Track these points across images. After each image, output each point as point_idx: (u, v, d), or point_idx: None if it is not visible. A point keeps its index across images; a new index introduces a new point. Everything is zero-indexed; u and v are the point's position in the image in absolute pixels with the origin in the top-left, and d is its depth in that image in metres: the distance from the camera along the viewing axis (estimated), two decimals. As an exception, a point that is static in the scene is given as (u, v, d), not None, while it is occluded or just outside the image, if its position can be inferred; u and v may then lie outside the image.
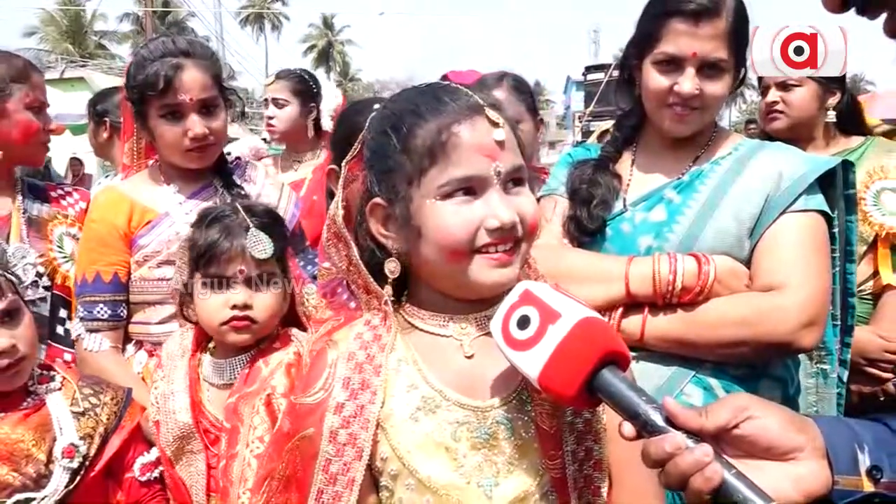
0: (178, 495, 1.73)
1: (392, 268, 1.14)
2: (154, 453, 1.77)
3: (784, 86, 2.67)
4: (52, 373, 1.72)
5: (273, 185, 2.28)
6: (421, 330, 1.16)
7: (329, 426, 1.10)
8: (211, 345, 1.80)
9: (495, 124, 1.09)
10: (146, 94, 1.99)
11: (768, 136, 2.71)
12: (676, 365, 1.65)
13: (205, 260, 1.72)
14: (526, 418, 1.11)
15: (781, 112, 2.69)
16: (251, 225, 1.71)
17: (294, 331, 1.80)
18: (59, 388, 1.69)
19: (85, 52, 38.45)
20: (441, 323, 1.15)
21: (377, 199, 1.14)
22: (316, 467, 1.10)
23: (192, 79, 1.98)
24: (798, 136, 2.65)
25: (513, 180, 1.10)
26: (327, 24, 62.47)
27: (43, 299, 2.11)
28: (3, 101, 2.12)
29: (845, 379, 1.84)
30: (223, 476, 1.64)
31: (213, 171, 2.14)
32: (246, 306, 1.70)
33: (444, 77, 3.11)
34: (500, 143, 1.08)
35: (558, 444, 1.10)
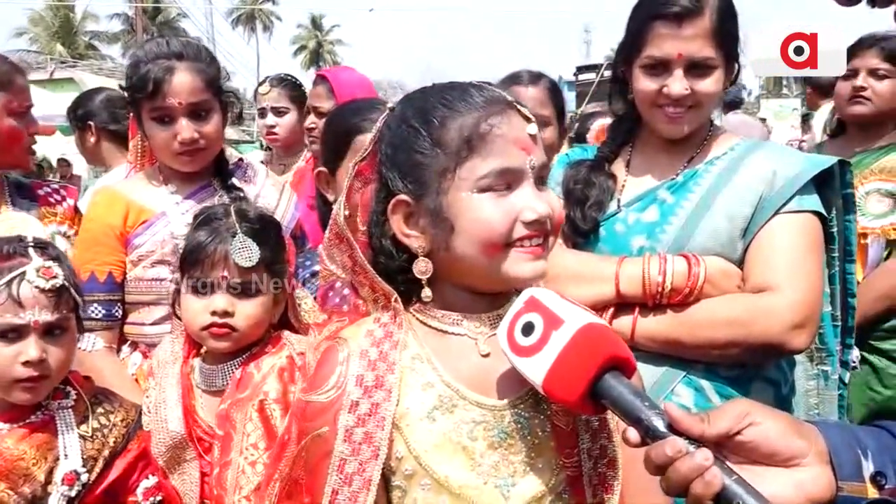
0: (172, 504, 1.70)
1: (423, 268, 1.12)
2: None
3: (875, 73, 2.66)
4: (68, 388, 1.64)
5: (274, 185, 2.26)
6: (432, 328, 1.15)
7: (344, 424, 1.08)
8: (203, 350, 1.77)
9: (528, 119, 1.10)
10: (136, 96, 1.98)
11: (841, 122, 2.74)
12: (667, 365, 1.65)
13: (190, 262, 1.69)
14: (542, 417, 1.11)
15: (868, 99, 2.67)
16: (238, 230, 1.67)
17: (286, 334, 1.77)
18: (72, 406, 1.61)
19: (75, 52, 38.24)
20: (454, 321, 1.14)
21: (401, 196, 1.12)
22: (330, 467, 1.08)
23: (181, 82, 1.96)
24: (878, 123, 2.67)
25: (540, 176, 1.11)
26: (316, 24, 62.32)
27: None
28: None
29: (847, 380, 1.84)
30: (217, 484, 1.62)
31: (212, 171, 2.13)
32: (226, 313, 1.66)
33: (320, 77, 3.09)
34: (533, 138, 1.09)
35: (574, 443, 1.11)
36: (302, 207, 2.38)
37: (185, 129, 1.97)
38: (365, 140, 1.84)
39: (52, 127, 3.45)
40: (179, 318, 1.78)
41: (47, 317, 1.52)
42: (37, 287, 1.50)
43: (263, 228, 1.74)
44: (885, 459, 0.92)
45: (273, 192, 2.23)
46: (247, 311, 1.68)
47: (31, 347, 1.50)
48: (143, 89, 1.95)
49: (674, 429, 0.89)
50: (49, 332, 1.54)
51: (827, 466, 0.90)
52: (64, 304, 1.55)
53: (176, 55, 1.97)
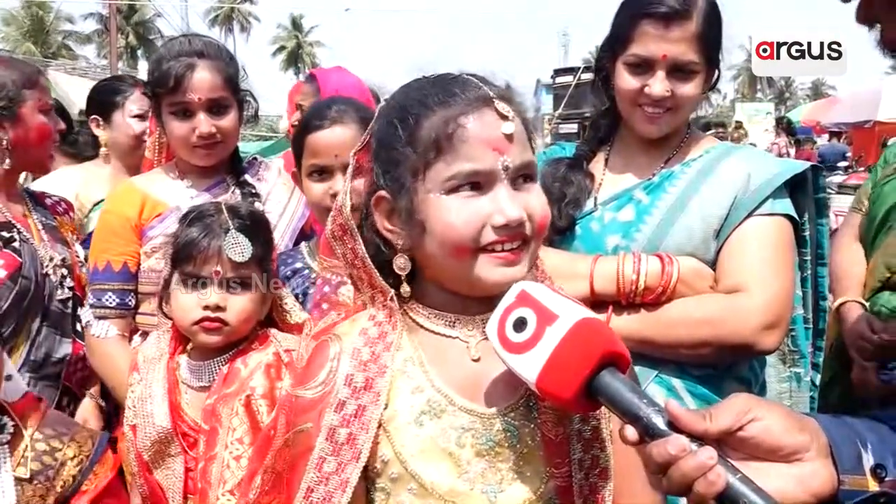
0: (155, 499, 1.71)
1: (401, 264, 1.10)
2: None
3: None
4: (3, 418, 1.36)
5: (285, 184, 2.30)
6: (426, 329, 1.12)
7: (328, 423, 1.06)
8: (189, 346, 1.79)
9: (504, 117, 1.05)
10: (157, 90, 2.06)
11: None
12: (639, 364, 1.65)
13: (182, 257, 1.71)
14: (532, 426, 1.08)
15: None
16: (231, 226, 1.70)
17: (272, 331, 1.79)
18: (6, 442, 1.34)
19: (48, 52, 37.75)
20: (448, 323, 1.11)
21: (382, 192, 1.10)
22: (309, 463, 1.06)
23: (201, 79, 2.02)
24: None
25: (522, 176, 1.07)
26: (296, 24, 62.07)
27: (68, 299, 2.19)
28: (18, 108, 2.15)
29: (818, 382, 1.86)
30: (201, 478, 1.63)
31: (226, 168, 2.19)
32: (218, 308, 1.68)
33: (311, 76, 3.08)
34: (509, 137, 1.04)
35: (564, 453, 1.07)
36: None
37: (203, 123, 2.03)
38: (315, 139, 1.86)
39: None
40: (166, 316, 1.79)
41: None
42: None
43: (255, 225, 1.76)
44: (884, 452, 0.92)
45: (283, 190, 2.26)
46: (238, 306, 1.70)
47: None
48: (164, 84, 2.02)
49: (674, 426, 0.87)
50: None
51: (828, 460, 0.90)
52: None
53: (197, 53, 2.05)
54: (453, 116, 1.04)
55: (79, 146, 3.41)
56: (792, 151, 13.51)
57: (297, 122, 3.00)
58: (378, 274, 1.12)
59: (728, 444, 0.88)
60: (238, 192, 2.15)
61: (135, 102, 2.98)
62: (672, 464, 0.85)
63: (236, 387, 1.65)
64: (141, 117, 2.95)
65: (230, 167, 2.20)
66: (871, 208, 2.41)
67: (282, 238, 2.14)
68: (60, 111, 3.45)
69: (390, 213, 1.10)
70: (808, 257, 1.79)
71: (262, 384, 1.64)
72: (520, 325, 0.98)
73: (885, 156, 2.57)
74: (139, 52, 46.07)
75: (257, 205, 2.09)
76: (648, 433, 0.88)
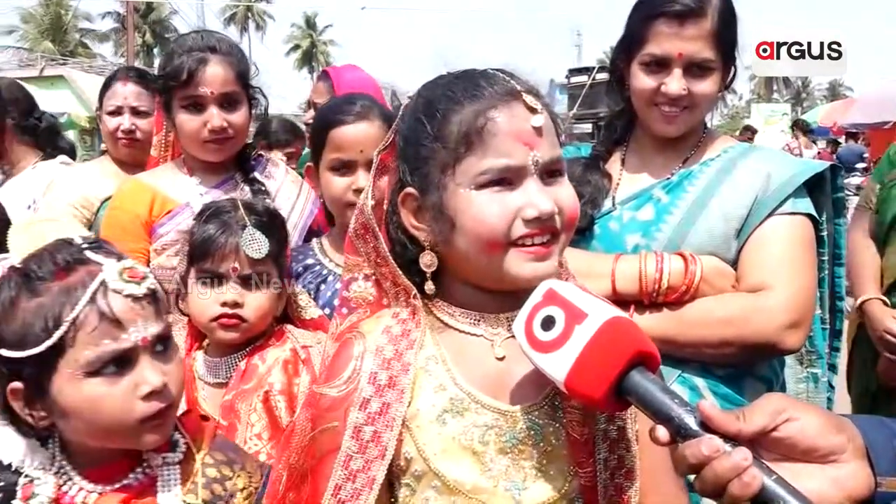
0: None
1: (428, 261, 1.10)
2: None
3: None
4: (175, 434, 1.22)
5: (293, 182, 2.30)
6: (450, 327, 1.12)
7: (353, 421, 1.06)
8: (206, 342, 1.79)
9: (533, 110, 1.04)
10: (170, 84, 2.05)
11: None
12: (662, 364, 1.64)
13: (199, 255, 1.71)
14: (557, 425, 1.08)
15: None
16: (248, 223, 1.70)
17: (289, 327, 1.79)
18: (179, 462, 1.20)
19: (65, 49, 38.10)
20: (472, 321, 1.11)
21: (409, 189, 1.10)
22: (336, 462, 1.06)
23: (214, 73, 2.03)
24: None
25: (551, 171, 1.06)
26: (310, 23, 62.27)
27: None
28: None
29: (834, 383, 1.85)
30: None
31: (235, 164, 2.19)
32: (236, 304, 1.68)
33: (324, 73, 3.03)
34: (538, 130, 1.04)
35: (589, 452, 1.07)
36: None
37: (215, 117, 2.03)
38: (339, 134, 1.86)
39: None
40: (181, 312, 1.78)
41: (154, 329, 1.15)
42: (129, 295, 1.13)
43: (271, 221, 1.76)
44: None
45: (292, 188, 2.27)
46: (255, 303, 1.70)
47: (149, 373, 1.12)
48: (176, 78, 2.02)
49: (706, 426, 0.86)
50: (160, 347, 1.17)
51: (864, 462, 0.87)
52: (163, 309, 1.20)
53: (209, 48, 2.05)
54: (482, 110, 1.03)
55: (38, 134, 3.26)
56: (807, 153, 13.43)
57: (311, 120, 3.01)
58: (400, 271, 1.12)
59: (762, 444, 0.86)
60: (247, 189, 2.14)
61: (110, 98, 2.92)
62: (705, 464, 0.83)
63: (254, 383, 1.66)
64: (114, 113, 2.88)
65: (239, 164, 2.20)
66: (880, 208, 2.44)
67: (290, 236, 2.12)
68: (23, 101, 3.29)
69: (417, 210, 1.10)
70: (826, 257, 1.78)
71: (280, 380, 1.65)
72: (548, 323, 0.97)
73: (888, 155, 2.58)
74: (155, 51, 46.40)
75: (267, 202, 2.07)
76: (680, 433, 0.87)
